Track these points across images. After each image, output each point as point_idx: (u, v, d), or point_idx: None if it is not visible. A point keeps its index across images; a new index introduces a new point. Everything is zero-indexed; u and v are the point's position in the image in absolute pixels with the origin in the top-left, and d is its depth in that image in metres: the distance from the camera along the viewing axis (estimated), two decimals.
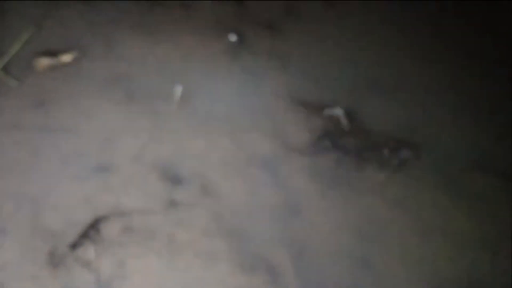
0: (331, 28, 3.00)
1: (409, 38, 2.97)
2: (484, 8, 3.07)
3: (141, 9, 3.05)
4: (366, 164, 2.28)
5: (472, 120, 2.54)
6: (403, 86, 2.66)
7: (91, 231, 1.96)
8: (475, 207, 2.17)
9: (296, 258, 1.96)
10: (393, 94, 2.63)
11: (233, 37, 2.88)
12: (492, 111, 2.60)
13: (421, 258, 2.00)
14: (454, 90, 2.67)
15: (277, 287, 1.88)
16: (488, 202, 2.19)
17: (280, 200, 2.14)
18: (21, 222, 2.03)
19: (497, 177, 2.29)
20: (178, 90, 2.51)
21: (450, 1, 3.15)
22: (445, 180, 2.24)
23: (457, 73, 2.76)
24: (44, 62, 2.69)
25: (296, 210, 2.11)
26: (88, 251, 1.92)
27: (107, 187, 2.14)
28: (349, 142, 2.37)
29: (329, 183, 2.21)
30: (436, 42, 2.93)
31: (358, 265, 1.98)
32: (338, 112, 2.45)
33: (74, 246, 1.92)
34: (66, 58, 2.72)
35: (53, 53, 2.71)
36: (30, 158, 2.28)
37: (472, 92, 2.67)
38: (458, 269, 1.98)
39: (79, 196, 2.11)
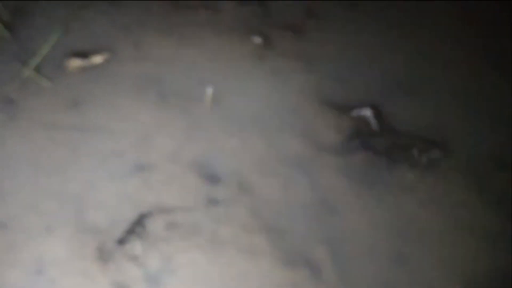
0: (354, 29, 3.06)
1: (424, 41, 3.03)
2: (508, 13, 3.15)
3: (166, 11, 3.11)
4: (396, 164, 2.36)
5: (500, 121, 2.61)
6: (430, 87, 2.73)
7: (136, 227, 2.04)
8: (505, 205, 2.24)
9: (334, 254, 2.04)
10: (420, 95, 2.70)
11: (257, 39, 2.95)
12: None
13: (453, 255, 2.08)
14: (481, 92, 2.74)
15: (317, 281, 1.95)
16: None
17: (315, 198, 2.22)
18: (66, 220, 2.11)
19: None
20: (209, 91, 2.58)
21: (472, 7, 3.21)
22: (475, 179, 2.32)
23: (483, 76, 2.83)
24: (75, 63, 2.76)
25: (331, 208, 2.19)
26: (135, 246, 1.99)
27: (148, 185, 2.22)
28: (379, 142, 2.43)
29: (361, 182, 2.28)
30: (458, 45, 3.00)
31: (393, 261, 2.05)
32: (367, 112, 2.52)
33: (121, 241, 2.00)
34: (97, 59, 2.79)
35: (83, 54, 2.78)
36: (69, 157, 2.35)
37: (499, 94, 2.76)
38: (490, 266, 2.05)
39: (121, 193, 2.18)
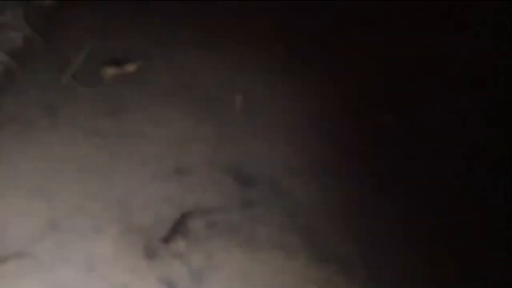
0: (374, 40, 3.20)
1: None
2: None
3: (195, 21, 3.27)
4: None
5: None
6: None
7: (179, 226, 2.20)
8: None
9: (363, 252, 2.19)
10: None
11: (283, 48, 3.10)
12: None
13: None
14: None
15: (349, 276, 2.10)
16: None
17: (344, 199, 2.37)
18: (112, 220, 2.25)
19: None
20: (239, 98, 2.74)
21: None
22: None
23: None
24: (110, 71, 2.91)
25: (360, 208, 2.34)
26: (179, 244, 2.15)
27: (187, 187, 2.37)
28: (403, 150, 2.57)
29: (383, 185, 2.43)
30: None
31: (421, 260, 2.19)
32: (389, 117, 2.67)
33: (166, 240, 2.15)
34: (131, 67, 2.94)
35: (117, 63, 2.93)
36: (111, 161, 2.49)
37: None
38: None
39: (162, 195, 2.33)
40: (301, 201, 2.35)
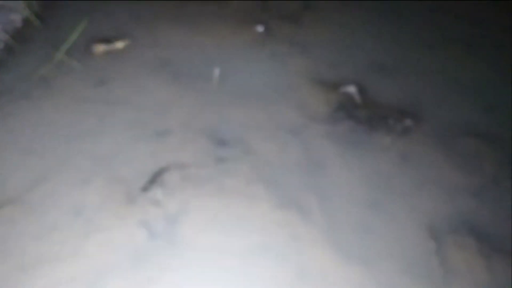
0: (344, 18, 3.40)
1: (411, 27, 3.38)
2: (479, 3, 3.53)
3: (178, 3, 3.47)
4: (375, 131, 2.72)
5: (463, 96, 2.96)
6: (405, 67, 3.09)
7: (157, 178, 2.43)
8: (466, 163, 2.60)
9: (321, 201, 2.38)
10: (399, 74, 3.04)
11: (260, 28, 3.32)
12: (480, 89, 3.02)
13: (420, 203, 2.44)
14: (448, 71, 3.09)
15: (306, 221, 2.31)
16: (476, 160, 2.63)
17: (306, 157, 2.57)
18: (99, 174, 2.46)
19: (484, 140, 2.71)
20: (216, 71, 2.97)
21: None
22: (441, 143, 2.66)
23: (451, 57, 3.18)
24: (100, 48, 3.12)
25: (319, 165, 2.53)
26: (157, 193, 2.39)
27: (166, 147, 2.57)
28: (361, 113, 2.79)
29: (345, 145, 2.64)
30: (436, 32, 3.37)
31: (369, 207, 2.39)
32: (351, 89, 2.90)
33: (145, 189, 2.38)
34: (119, 44, 3.15)
35: (106, 41, 3.13)
36: (98, 125, 2.69)
37: (464, 73, 3.11)
38: (450, 212, 2.44)
39: (144, 153, 2.53)
40: (267, 158, 2.54)
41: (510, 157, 2.56)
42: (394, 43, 3.22)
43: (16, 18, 3.19)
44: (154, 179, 2.34)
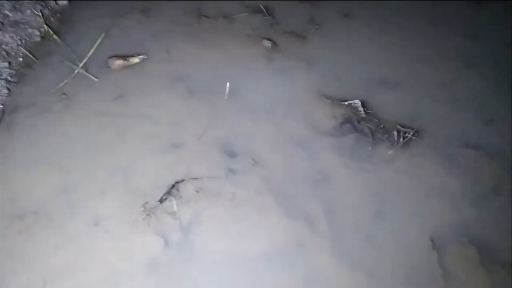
0: (348, 35, 3.43)
1: (412, 42, 3.42)
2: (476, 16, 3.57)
3: (191, 21, 3.51)
4: (379, 143, 2.77)
5: (463, 109, 3.00)
6: (407, 81, 3.11)
7: (172, 190, 2.48)
8: (466, 175, 2.64)
9: (326, 210, 2.43)
10: (401, 89, 3.08)
11: (267, 43, 3.36)
12: (480, 103, 3.05)
13: (423, 212, 2.48)
14: (448, 85, 3.13)
15: (313, 230, 2.36)
16: (476, 171, 2.66)
17: (313, 169, 2.61)
18: (116, 186, 2.51)
19: (484, 152, 2.75)
20: (227, 86, 3.01)
21: (447, 12, 3.62)
22: (443, 155, 2.70)
23: (457, 73, 3.22)
24: (117, 62, 3.15)
25: (326, 176, 2.58)
26: (172, 205, 2.44)
27: (180, 160, 2.61)
28: (366, 126, 2.83)
29: (350, 157, 2.68)
30: (435, 46, 3.40)
31: (374, 217, 2.44)
32: (356, 103, 2.95)
33: (161, 201, 2.44)
34: (135, 60, 3.19)
35: (123, 56, 3.17)
36: (116, 138, 2.73)
37: (464, 86, 3.14)
38: (451, 221, 2.48)
39: (159, 166, 2.58)
40: (276, 170, 2.58)
41: (509, 169, 2.58)
42: (396, 58, 3.26)
43: (35, 33, 3.24)
44: (170, 191, 2.39)
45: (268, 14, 3.56)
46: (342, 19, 3.56)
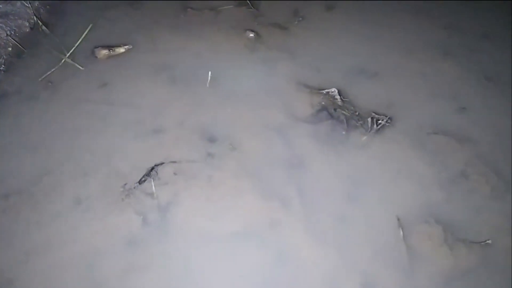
0: (330, 27, 3.54)
1: (392, 32, 3.54)
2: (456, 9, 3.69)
3: (176, 12, 3.62)
4: (354, 129, 2.88)
5: (438, 98, 3.11)
6: (385, 70, 3.21)
7: (152, 172, 2.60)
8: (436, 160, 2.74)
9: (301, 193, 2.51)
10: (376, 77, 3.18)
11: (251, 35, 3.45)
12: (454, 92, 3.17)
13: (393, 195, 2.59)
14: (425, 75, 3.25)
15: (287, 211, 2.44)
16: (446, 156, 2.77)
17: (289, 154, 2.70)
18: (98, 168, 2.59)
19: (454, 138, 2.87)
20: (209, 75, 3.12)
21: (428, 5, 3.74)
22: (413, 141, 2.80)
23: (428, 63, 3.33)
24: (103, 52, 3.25)
25: (301, 161, 2.66)
26: (151, 186, 2.55)
27: (161, 144, 2.70)
28: (342, 114, 2.94)
29: (326, 142, 2.78)
30: (414, 37, 3.52)
31: (346, 199, 2.52)
32: (334, 91, 3.06)
33: (140, 182, 2.55)
34: (121, 49, 3.28)
35: (109, 46, 3.27)
36: (99, 124, 2.81)
37: (441, 76, 3.26)
38: (419, 202, 2.59)
39: (140, 150, 2.66)
40: (253, 154, 2.68)
41: (478, 154, 2.70)
42: (376, 50, 3.36)
43: (24, 24, 3.31)
44: (149, 173, 2.49)
45: (253, 6, 3.64)
46: (325, 12, 3.64)
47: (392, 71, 3.16)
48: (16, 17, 3.32)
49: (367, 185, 2.54)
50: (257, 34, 3.43)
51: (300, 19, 3.53)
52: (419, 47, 3.37)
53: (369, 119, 2.78)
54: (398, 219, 2.34)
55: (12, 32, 3.23)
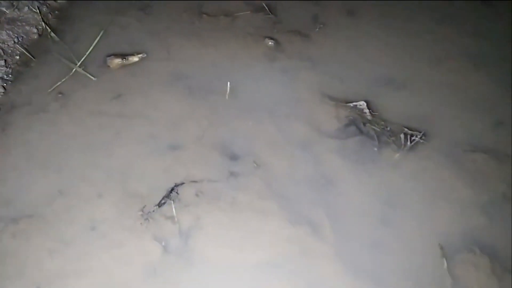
0: (352, 33, 3.36)
1: (418, 40, 3.34)
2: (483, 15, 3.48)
3: (190, 18, 3.44)
4: (385, 146, 2.69)
5: (472, 111, 2.91)
6: (414, 81, 3.02)
7: (171, 194, 2.40)
8: (475, 180, 2.55)
9: (331, 216, 2.36)
10: (405, 88, 3.00)
11: (270, 42, 3.28)
12: (489, 105, 2.96)
13: (431, 219, 2.40)
14: (456, 86, 3.05)
15: (317, 237, 2.28)
16: (483, 175, 2.58)
17: (316, 172, 2.53)
18: (113, 189, 2.43)
19: (493, 156, 2.67)
20: (228, 85, 2.93)
21: (453, 11, 3.53)
22: (450, 159, 2.62)
23: (464, 72, 3.14)
24: (116, 61, 3.08)
25: (329, 180, 2.50)
26: (171, 208, 2.36)
27: (179, 162, 2.54)
28: (372, 129, 2.76)
29: (355, 160, 2.60)
30: (442, 45, 3.32)
31: (379, 223, 2.36)
32: (362, 105, 2.86)
33: (159, 205, 2.36)
34: (134, 58, 3.12)
35: (122, 54, 3.10)
36: (113, 139, 2.66)
37: (473, 87, 3.06)
38: (461, 228, 2.39)
39: (157, 168, 2.51)
40: (278, 173, 2.51)
41: None
42: (402, 58, 3.19)
43: (32, 31, 3.20)
44: (169, 194, 2.31)
45: (271, 12, 3.48)
46: (346, 18, 3.46)
47: (421, 81, 2.97)
48: (24, 23, 3.21)
49: (402, 208, 2.36)
50: (276, 41, 3.26)
51: (321, 25, 3.31)
52: (447, 55, 3.19)
53: (402, 135, 2.57)
54: (441, 248, 2.12)
55: (20, 39, 3.11)
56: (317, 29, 3.40)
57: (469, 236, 2.29)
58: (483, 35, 3.39)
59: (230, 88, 2.88)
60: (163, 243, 2.23)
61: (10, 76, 2.92)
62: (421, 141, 2.63)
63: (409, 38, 3.34)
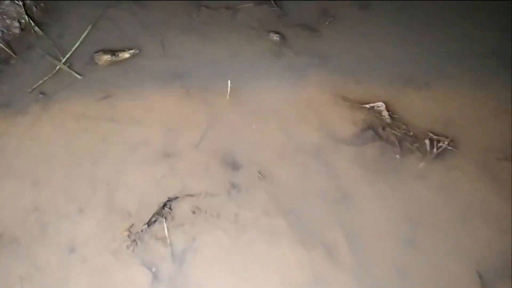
0: (366, 28, 3.08)
1: (438, 36, 3.04)
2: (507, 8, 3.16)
3: (188, 11, 3.13)
4: (408, 154, 2.37)
5: (498, 115, 2.62)
6: (437, 82, 2.74)
7: (164, 210, 2.08)
8: (510, 191, 2.26)
9: (348, 237, 2.07)
10: (426, 88, 2.72)
11: (275, 37, 2.98)
12: None
13: (464, 240, 2.09)
14: (482, 86, 2.75)
15: (333, 262, 1.98)
16: None
17: (330, 185, 2.25)
18: (97, 203, 2.16)
19: None
20: (229, 84, 2.61)
21: (473, 4, 3.22)
22: (482, 168, 2.33)
23: (488, 71, 2.83)
24: (104, 58, 2.82)
25: (346, 194, 2.22)
26: (163, 228, 2.02)
27: (174, 172, 2.27)
28: (392, 133, 2.45)
29: (374, 170, 2.31)
30: (462, 41, 3.01)
31: (404, 245, 2.08)
32: (380, 106, 2.54)
33: (149, 223, 2.04)
34: (125, 55, 2.85)
35: (111, 50, 2.82)
36: (100, 145, 2.40)
37: (499, 88, 2.76)
38: (498, 249, 2.06)
39: (148, 179, 2.23)
40: (287, 185, 2.25)
41: None
42: (421, 55, 2.89)
43: (14, 24, 2.92)
44: (160, 211, 2.00)
45: (276, 4, 3.21)
46: (359, 11, 3.19)
47: (444, 81, 2.68)
48: (5, 17, 2.92)
49: (430, 227, 2.11)
50: (282, 36, 2.99)
51: (331, 19, 3.01)
52: (469, 53, 2.93)
53: (427, 141, 2.25)
54: (480, 276, 1.77)
55: (0, 34, 2.83)
56: (327, 23, 3.11)
57: (509, 259, 1.95)
58: (507, 30, 3.06)
59: (231, 87, 2.61)
60: (153, 270, 1.95)
61: None
62: (449, 147, 2.29)
63: (427, 33, 3.06)
